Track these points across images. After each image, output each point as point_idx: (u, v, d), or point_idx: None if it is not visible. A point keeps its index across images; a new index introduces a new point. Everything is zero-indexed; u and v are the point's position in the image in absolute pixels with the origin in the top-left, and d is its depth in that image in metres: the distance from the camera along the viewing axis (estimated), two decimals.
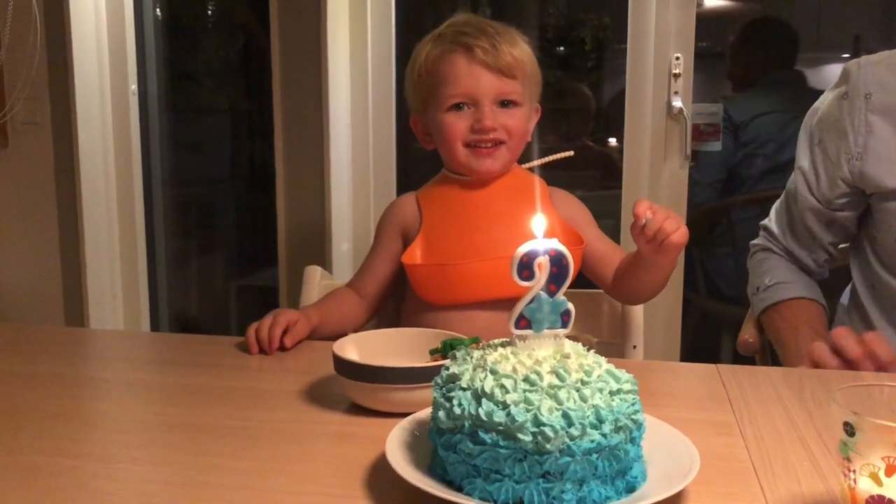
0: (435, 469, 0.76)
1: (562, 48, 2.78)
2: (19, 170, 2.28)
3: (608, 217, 2.40)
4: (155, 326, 2.57)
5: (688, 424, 0.92)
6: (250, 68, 2.78)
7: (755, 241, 1.52)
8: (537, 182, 1.36)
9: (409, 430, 0.82)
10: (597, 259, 1.34)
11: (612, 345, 1.44)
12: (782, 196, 1.49)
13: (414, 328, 1.14)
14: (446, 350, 0.98)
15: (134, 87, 2.38)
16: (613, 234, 2.31)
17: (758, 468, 0.82)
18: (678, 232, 1.11)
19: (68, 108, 2.21)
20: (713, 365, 1.14)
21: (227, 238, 2.99)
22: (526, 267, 0.75)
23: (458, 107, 1.29)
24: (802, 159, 1.41)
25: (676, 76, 2.09)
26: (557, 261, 0.75)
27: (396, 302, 1.44)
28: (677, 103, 2.09)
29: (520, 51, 1.30)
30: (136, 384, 1.11)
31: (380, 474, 0.80)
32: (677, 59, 2.08)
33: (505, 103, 1.29)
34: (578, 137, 2.62)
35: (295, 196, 2.19)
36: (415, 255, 1.31)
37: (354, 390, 0.95)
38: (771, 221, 1.49)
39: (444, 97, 1.29)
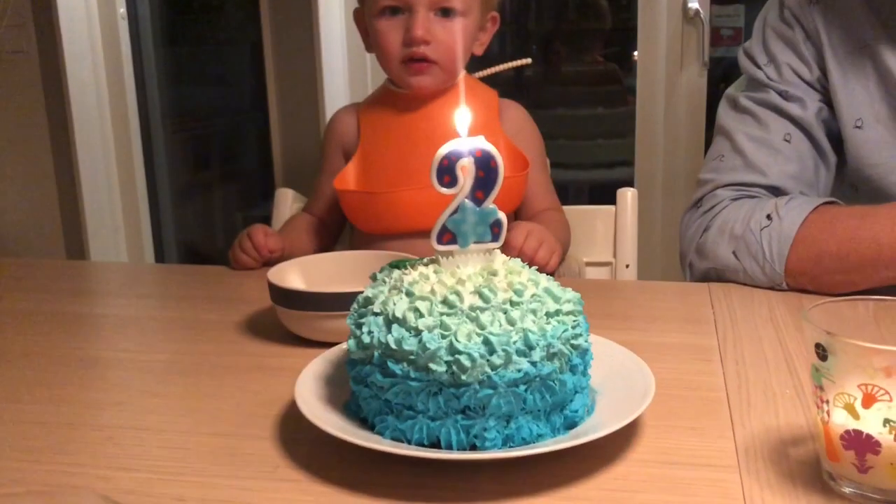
0: (351, 406, 0.67)
1: None
2: (9, 101, 2.20)
3: (625, 136, 2.25)
4: (160, 258, 2.52)
5: (662, 349, 0.82)
6: None
7: (718, 192, 1.08)
8: (486, 94, 1.24)
9: (331, 362, 0.73)
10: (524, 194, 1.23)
11: (609, 265, 1.33)
12: (740, 133, 1.10)
13: (366, 251, 1.04)
14: None
15: (123, 10, 2.28)
16: (628, 152, 2.16)
17: (732, 398, 0.71)
18: (550, 263, 1.08)
19: (53, 34, 2.11)
20: (704, 284, 1.02)
21: (233, 169, 2.90)
22: (447, 171, 0.63)
23: (392, 11, 1.16)
24: (765, 65, 1.10)
25: None
26: (484, 163, 0.64)
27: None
28: (693, 4, 1.91)
29: None
30: (59, 316, 1.03)
31: (296, 411, 0.71)
32: None
33: (445, 11, 1.15)
34: (590, 53, 2.44)
35: (289, 124, 2.09)
36: (347, 179, 1.21)
37: (288, 318, 0.86)
38: (736, 171, 1.08)
39: None
